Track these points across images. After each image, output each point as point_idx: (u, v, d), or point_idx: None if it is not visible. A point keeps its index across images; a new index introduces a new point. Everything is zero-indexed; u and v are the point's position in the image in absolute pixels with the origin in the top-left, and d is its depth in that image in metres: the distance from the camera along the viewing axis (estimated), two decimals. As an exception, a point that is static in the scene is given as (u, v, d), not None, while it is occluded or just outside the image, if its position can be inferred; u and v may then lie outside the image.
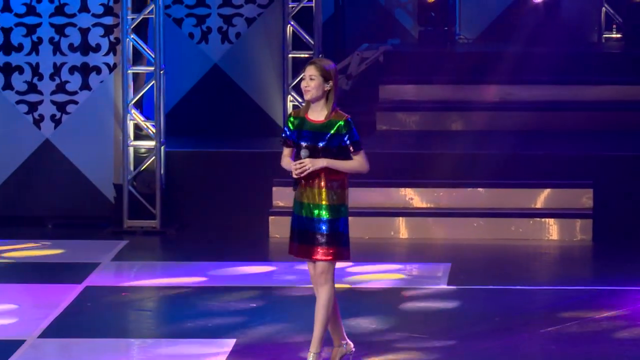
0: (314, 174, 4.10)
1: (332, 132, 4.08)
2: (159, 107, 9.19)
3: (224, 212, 9.13)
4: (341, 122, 4.08)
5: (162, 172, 9.11)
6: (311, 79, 4.04)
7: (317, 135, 4.11)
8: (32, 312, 5.99)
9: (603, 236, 8.53)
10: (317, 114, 4.14)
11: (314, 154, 4.09)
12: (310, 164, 4.03)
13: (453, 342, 5.13)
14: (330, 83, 4.06)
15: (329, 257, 4.16)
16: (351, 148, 4.10)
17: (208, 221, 9.15)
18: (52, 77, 9.30)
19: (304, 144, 4.12)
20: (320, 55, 10.07)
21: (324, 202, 4.12)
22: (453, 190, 9.13)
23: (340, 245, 4.20)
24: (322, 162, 4.05)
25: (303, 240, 4.23)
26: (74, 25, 9.26)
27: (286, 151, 4.30)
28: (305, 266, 6.53)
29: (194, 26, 10.54)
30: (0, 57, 9.30)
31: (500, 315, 5.87)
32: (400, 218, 8.86)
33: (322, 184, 4.11)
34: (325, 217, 4.12)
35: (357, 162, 4.14)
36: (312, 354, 4.19)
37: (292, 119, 4.28)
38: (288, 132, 4.26)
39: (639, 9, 13.58)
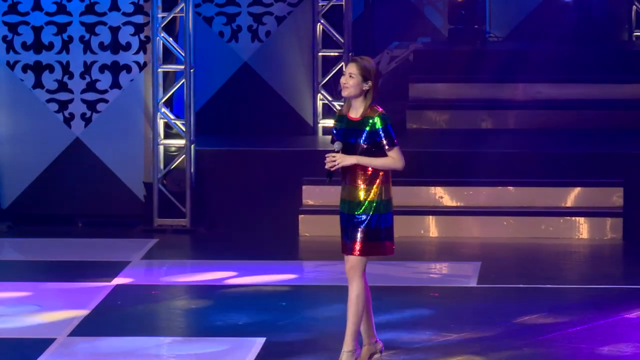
0: (351, 171, 4.10)
1: (367, 129, 4.05)
2: (189, 105, 9.18)
3: (253, 211, 9.11)
4: (376, 118, 4.04)
5: (192, 170, 9.10)
6: (350, 77, 4.01)
7: (352, 132, 4.10)
8: (62, 311, 6.01)
9: (633, 235, 8.43)
10: (355, 112, 4.11)
11: (349, 150, 4.08)
12: (340, 159, 4.01)
13: (483, 341, 5.06)
14: (370, 82, 4.02)
15: (357, 252, 4.12)
16: (385, 143, 4.06)
17: (238, 219, 9.14)
18: (82, 76, 9.33)
19: (341, 140, 4.12)
20: (350, 54, 10.05)
21: (358, 199, 4.09)
22: (483, 188, 9.03)
23: (373, 240, 4.16)
24: (351, 159, 4.03)
25: (345, 237, 4.21)
26: (104, 23, 9.29)
27: None
28: (334, 265, 6.52)
29: (224, 25, 10.54)
30: (30, 55, 9.35)
31: (530, 314, 5.78)
32: (430, 217, 8.78)
33: (358, 180, 4.09)
34: (359, 212, 4.09)
35: (390, 159, 4.08)
36: (345, 352, 4.16)
37: (337, 117, 4.32)
38: (334, 131, 4.26)
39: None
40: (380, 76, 4.16)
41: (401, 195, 8.47)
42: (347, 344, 4.14)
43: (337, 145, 4.08)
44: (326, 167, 4.09)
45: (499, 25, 13.57)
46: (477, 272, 7.20)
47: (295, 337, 5.25)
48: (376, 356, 4.38)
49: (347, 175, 4.12)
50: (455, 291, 6.75)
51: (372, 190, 4.09)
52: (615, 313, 5.77)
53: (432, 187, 8.94)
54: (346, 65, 4.19)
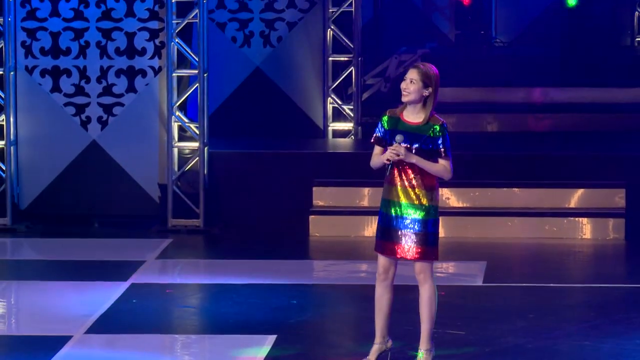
0: (407, 173, 4.07)
1: (429, 134, 4.05)
2: (202, 109, 9.19)
3: (265, 211, 9.11)
4: (437, 126, 4.03)
5: (205, 172, 9.10)
6: (411, 82, 3.98)
7: (411, 136, 4.08)
8: (78, 309, 6.00)
9: (635, 235, 8.39)
10: (413, 116, 4.06)
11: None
12: (404, 153, 3.99)
13: (488, 339, 5.05)
14: (430, 89, 4.00)
15: (422, 257, 4.13)
16: (442, 152, 4.06)
17: (250, 220, 9.14)
18: (99, 80, 9.35)
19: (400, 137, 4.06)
20: (359, 59, 10.06)
21: (417, 202, 4.06)
22: (488, 190, 9.02)
23: (431, 245, 4.17)
24: (413, 157, 4.01)
25: (391, 238, 4.17)
26: (120, 29, 9.32)
27: (377, 150, 4.21)
28: (343, 264, 6.52)
29: (236, 30, 10.56)
30: (48, 60, 9.39)
31: (534, 313, 5.76)
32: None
33: (416, 183, 4.06)
34: (418, 217, 4.07)
35: (442, 167, 4.06)
36: (422, 351, 4.23)
37: (386, 118, 4.16)
38: (382, 131, 4.19)
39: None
40: (439, 84, 4.11)
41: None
42: (424, 343, 4.23)
43: (399, 137, 4.03)
44: (386, 157, 4.07)
45: (505, 30, 13.62)
46: (482, 271, 7.18)
47: (305, 335, 5.25)
48: (385, 353, 4.39)
49: (400, 176, 4.07)
50: (461, 290, 6.72)
51: (431, 195, 4.08)
52: (618, 311, 5.76)
53: (440, 189, 8.91)
54: (408, 71, 4.13)
